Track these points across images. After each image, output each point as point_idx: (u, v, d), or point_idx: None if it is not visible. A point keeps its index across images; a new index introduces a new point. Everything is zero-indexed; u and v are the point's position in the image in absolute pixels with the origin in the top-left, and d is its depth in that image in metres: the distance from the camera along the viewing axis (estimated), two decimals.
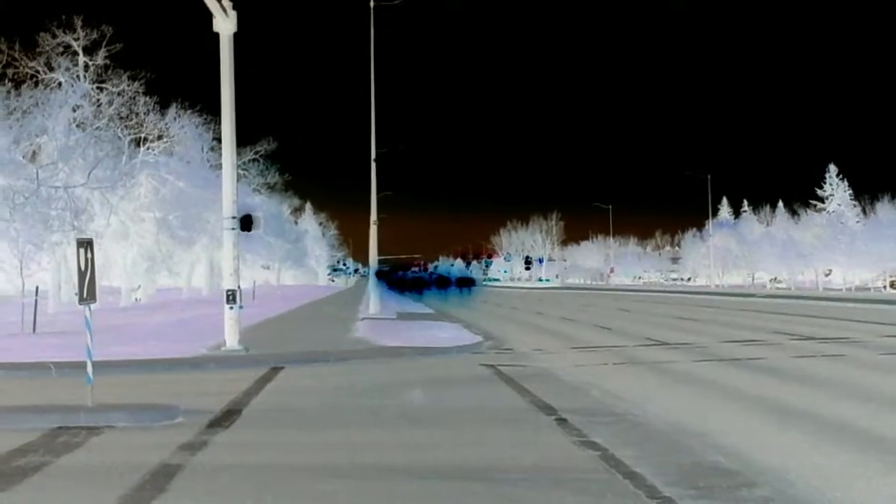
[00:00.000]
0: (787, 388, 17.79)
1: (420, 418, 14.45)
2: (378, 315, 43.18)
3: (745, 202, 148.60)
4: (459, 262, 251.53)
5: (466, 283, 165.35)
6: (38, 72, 44.49)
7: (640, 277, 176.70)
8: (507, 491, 9.49)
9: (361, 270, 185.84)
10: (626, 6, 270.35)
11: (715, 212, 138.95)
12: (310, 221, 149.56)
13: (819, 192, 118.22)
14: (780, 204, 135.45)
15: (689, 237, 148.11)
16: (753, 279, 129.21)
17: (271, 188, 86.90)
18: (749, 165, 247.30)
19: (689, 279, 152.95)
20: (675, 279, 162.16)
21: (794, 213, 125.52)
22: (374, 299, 47.40)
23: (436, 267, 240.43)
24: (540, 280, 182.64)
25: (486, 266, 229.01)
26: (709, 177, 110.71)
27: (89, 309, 14.98)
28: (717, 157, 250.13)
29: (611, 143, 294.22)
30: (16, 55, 42.76)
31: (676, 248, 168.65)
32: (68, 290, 48.62)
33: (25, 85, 42.86)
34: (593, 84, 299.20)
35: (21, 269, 33.07)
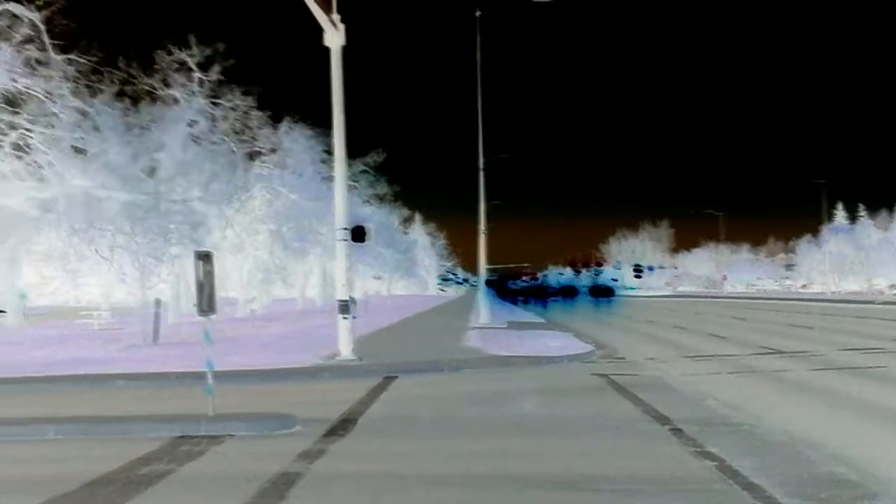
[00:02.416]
0: None
1: (532, 427, 14.47)
2: (488, 324, 43.26)
3: (862, 206, 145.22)
4: (569, 271, 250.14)
5: (604, 294, 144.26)
6: (154, 88, 45.60)
7: (753, 285, 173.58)
8: (622, 501, 9.46)
9: (471, 280, 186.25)
10: (735, 9, 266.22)
11: (830, 217, 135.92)
12: (419, 231, 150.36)
13: None
14: None
15: (804, 243, 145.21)
16: (871, 285, 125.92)
17: (381, 199, 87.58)
18: (865, 169, 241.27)
19: (803, 286, 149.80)
20: (789, 286, 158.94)
21: None
22: (485, 309, 47.49)
23: (545, 276, 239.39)
24: (629, 288, 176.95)
25: (596, 274, 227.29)
26: (824, 182, 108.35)
27: (209, 320, 15.31)
28: (832, 161, 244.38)
29: (722, 148, 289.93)
30: (133, 72, 43.91)
31: (790, 254, 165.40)
32: (187, 302, 49.69)
33: (143, 101, 44.00)
34: (705, 88, 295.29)
35: (142, 282, 33.93)
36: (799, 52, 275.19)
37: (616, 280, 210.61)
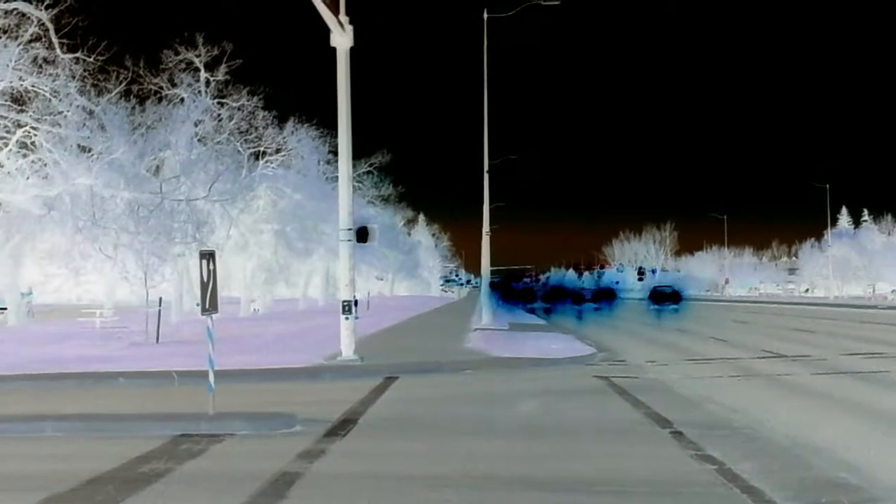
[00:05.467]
0: None
1: (533, 429, 14.48)
2: (490, 326, 43.28)
3: (866, 211, 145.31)
4: (571, 273, 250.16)
5: (606, 297, 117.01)
6: (161, 88, 45.66)
7: (756, 288, 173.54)
8: None
9: (474, 281, 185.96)
10: (741, 13, 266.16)
11: (834, 221, 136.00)
12: (423, 233, 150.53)
13: None
14: None
15: (807, 248, 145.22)
16: (874, 290, 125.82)
17: (385, 200, 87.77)
18: (869, 174, 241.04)
19: (806, 290, 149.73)
20: (791, 290, 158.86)
21: None
22: (487, 310, 47.51)
23: (548, 278, 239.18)
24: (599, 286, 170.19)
25: (599, 277, 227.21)
26: (827, 187, 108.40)
27: (211, 319, 15.33)
28: (836, 166, 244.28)
29: (727, 152, 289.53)
30: (140, 72, 43.98)
31: (793, 258, 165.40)
32: (189, 301, 49.82)
33: (149, 101, 44.07)
34: (710, 92, 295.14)
35: (145, 281, 33.97)
36: (804, 56, 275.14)
37: (618, 283, 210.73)
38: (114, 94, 38.29)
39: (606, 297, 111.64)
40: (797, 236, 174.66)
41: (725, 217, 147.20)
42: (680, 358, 27.75)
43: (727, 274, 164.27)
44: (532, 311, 74.41)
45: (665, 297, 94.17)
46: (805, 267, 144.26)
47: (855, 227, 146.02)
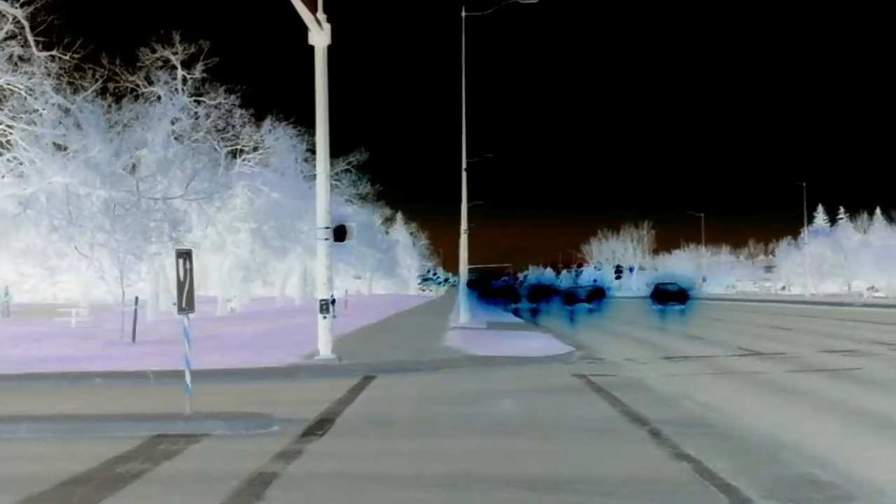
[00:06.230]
0: (884, 399, 17.45)
1: (512, 428, 14.49)
2: (468, 325, 43.30)
3: (842, 209, 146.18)
4: (549, 272, 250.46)
5: (598, 296, 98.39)
6: (137, 86, 45.45)
7: (733, 286, 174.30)
8: (599, 502, 9.48)
9: (452, 280, 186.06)
10: (716, 12, 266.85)
11: (810, 219, 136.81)
12: (401, 231, 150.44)
13: None
14: (878, 211, 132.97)
15: (784, 245, 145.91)
16: (850, 288, 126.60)
17: (363, 198, 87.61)
18: (845, 172, 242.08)
19: (783, 288, 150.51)
20: (768, 288, 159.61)
21: (892, 220, 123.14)
22: (465, 309, 47.54)
23: (525, 276, 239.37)
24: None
25: (577, 275, 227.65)
26: (804, 184, 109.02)
27: (188, 319, 15.28)
28: (812, 164, 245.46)
29: (703, 150, 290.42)
30: (117, 69, 43.74)
31: (770, 256, 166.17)
32: (166, 300, 49.61)
33: (126, 99, 43.83)
34: (685, 91, 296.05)
35: (121, 280, 33.81)
36: (782, 55, 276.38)
37: (596, 281, 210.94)
38: (90, 91, 38.07)
39: (598, 296, 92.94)
40: (774, 234, 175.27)
41: (703, 215, 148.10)
42: (657, 356, 27.84)
43: (704, 272, 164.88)
44: (517, 313, 66.40)
45: (669, 297, 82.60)
46: (782, 265, 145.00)
47: (831, 225, 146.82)
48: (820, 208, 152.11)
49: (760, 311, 65.75)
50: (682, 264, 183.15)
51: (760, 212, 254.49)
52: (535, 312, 71.42)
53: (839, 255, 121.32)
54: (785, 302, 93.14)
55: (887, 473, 10.80)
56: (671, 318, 57.83)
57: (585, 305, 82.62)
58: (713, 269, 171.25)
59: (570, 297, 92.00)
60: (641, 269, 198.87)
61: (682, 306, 75.75)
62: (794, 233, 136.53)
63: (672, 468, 11.11)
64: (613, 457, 11.94)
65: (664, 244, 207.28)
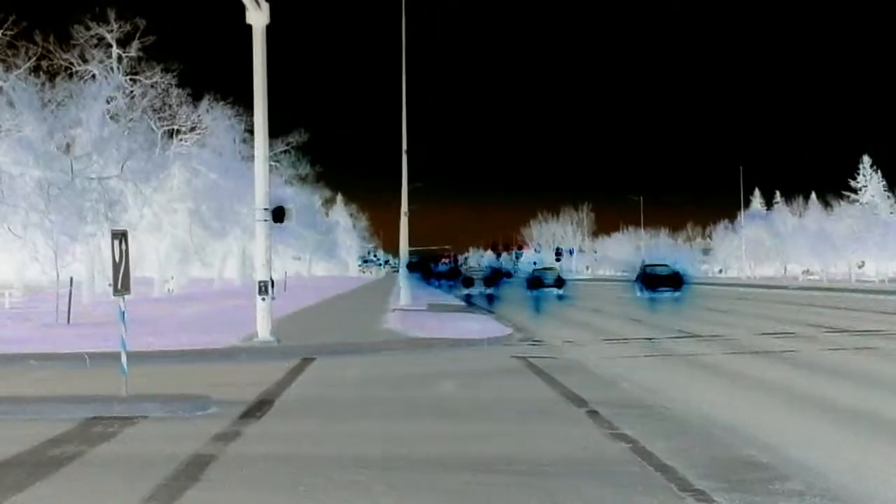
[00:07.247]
0: (820, 380, 17.70)
1: (451, 410, 14.49)
2: (409, 306, 43.28)
3: (778, 193, 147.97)
4: (490, 254, 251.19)
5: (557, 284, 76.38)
6: (72, 64, 44.79)
7: None
8: (538, 482, 9.50)
9: (392, 262, 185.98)
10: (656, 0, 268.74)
11: (747, 203, 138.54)
12: (341, 213, 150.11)
13: (852, 183, 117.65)
14: (813, 195, 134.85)
15: (721, 229, 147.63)
16: (786, 271, 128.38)
17: (303, 180, 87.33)
18: (781, 156, 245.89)
19: (720, 271, 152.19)
20: (705, 271, 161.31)
21: (826, 204, 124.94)
22: (405, 291, 47.53)
23: (466, 259, 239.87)
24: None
25: (517, 258, 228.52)
26: (741, 168, 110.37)
27: (123, 300, 15.10)
28: (750, 149, 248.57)
29: (642, 133, 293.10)
30: (50, 47, 43.05)
31: (708, 239, 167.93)
32: (102, 281, 49.00)
33: (60, 77, 43.20)
34: (624, 73, 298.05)
35: (56, 261, 33.33)
36: (717, 39, 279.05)
37: (535, 263, 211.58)
38: (22, 70, 37.49)
39: (558, 284, 74.96)
40: (712, 218, 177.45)
41: (641, 198, 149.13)
42: (596, 338, 28.02)
43: (643, 254, 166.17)
44: (469, 300, 59.45)
45: (661, 281, 66.56)
46: (719, 248, 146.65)
47: (767, 209, 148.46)
48: (757, 192, 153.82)
49: (698, 294, 66.43)
50: (620, 247, 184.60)
51: (699, 195, 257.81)
52: (490, 299, 63.53)
53: (775, 238, 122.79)
54: (722, 285, 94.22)
55: (822, 454, 10.95)
56: (608, 300, 58.17)
57: (555, 291, 70.43)
58: (652, 252, 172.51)
59: (535, 282, 77.14)
60: (581, 251, 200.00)
61: (677, 293, 63.46)
62: (732, 216, 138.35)
63: (610, 448, 11.17)
64: (552, 437, 11.97)
65: (603, 227, 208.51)
